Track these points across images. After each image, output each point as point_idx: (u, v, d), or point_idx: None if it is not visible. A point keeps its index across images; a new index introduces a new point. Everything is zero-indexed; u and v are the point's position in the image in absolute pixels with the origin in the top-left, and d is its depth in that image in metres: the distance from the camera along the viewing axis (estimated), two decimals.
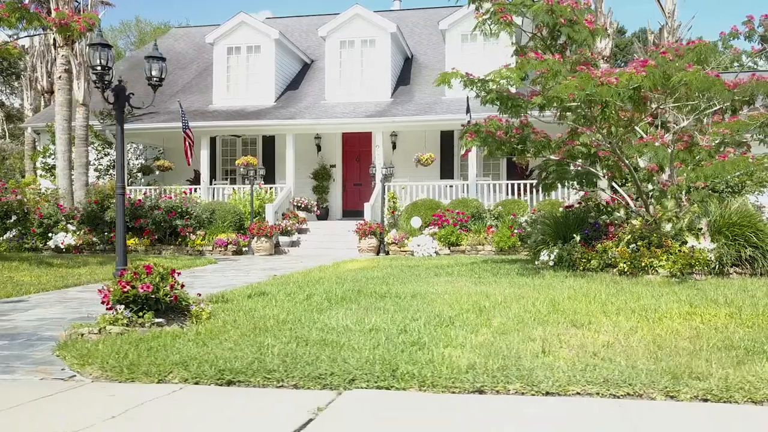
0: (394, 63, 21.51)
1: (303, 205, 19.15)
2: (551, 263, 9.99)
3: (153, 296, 5.54)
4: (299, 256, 16.51)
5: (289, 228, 17.60)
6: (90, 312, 7.15)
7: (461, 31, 20.19)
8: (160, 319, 5.63)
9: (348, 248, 16.84)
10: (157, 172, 21.37)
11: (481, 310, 6.42)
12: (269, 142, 21.77)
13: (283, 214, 18.36)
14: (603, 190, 12.09)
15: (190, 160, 18.23)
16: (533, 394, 3.87)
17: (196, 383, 4.20)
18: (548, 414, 3.58)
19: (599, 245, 9.57)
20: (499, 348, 4.73)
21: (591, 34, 8.59)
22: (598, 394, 3.84)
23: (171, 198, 17.15)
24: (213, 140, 21.86)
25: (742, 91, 8.00)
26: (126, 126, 19.39)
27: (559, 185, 11.42)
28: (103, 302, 5.59)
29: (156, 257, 15.30)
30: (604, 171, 10.26)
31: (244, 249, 16.98)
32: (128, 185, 19.76)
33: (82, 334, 5.38)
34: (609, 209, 10.54)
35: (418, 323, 5.71)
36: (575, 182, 10.47)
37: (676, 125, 10.83)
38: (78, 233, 16.99)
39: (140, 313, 5.54)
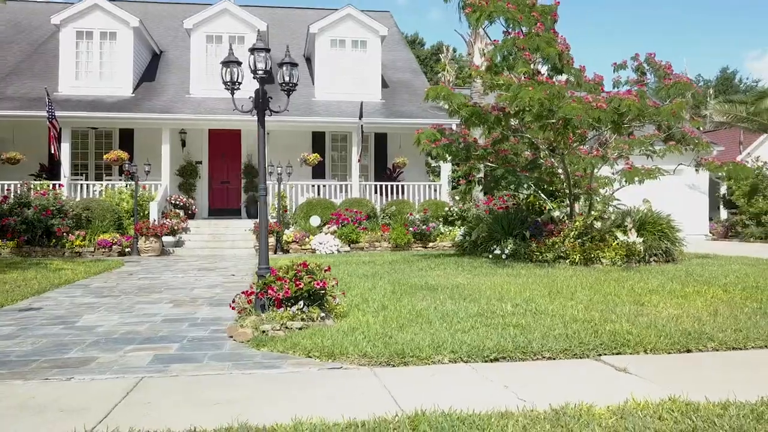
0: None
1: (181, 204, 18.44)
2: (504, 257, 11.41)
3: (321, 291, 5.77)
4: (193, 256, 15.98)
5: (175, 227, 16.91)
6: (166, 315, 6.89)
7: (331, 36, 20.96)
8: (324, 314, 5.87)
9: (239, 247, 16.74)
10: None
11: (547, 296, 7.56)
12: (127, 136, 20.37)
13: (162, 213, 17.54)
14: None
15: (58, 153, 16.58)
16: (725, 350, 5.14)
17: (466, 362, 4.76)
18: (752, 360, 4.88)
19: (549, 240, 11.24)
20: (645, 321, 5.94)
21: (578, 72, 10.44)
22: (766, 347, 5.23)
23: (45, 194, 15.47)
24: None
25: (676, 118, 10.22)
26: None
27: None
28: (272, 298, 5.66)
29: (56, 261, 13.86)
30: (544, 177, 12.00)
31: (127, 250, 15.94)
32: None
33: (264, 331, 5.44)
34: (539, 209, 12.29)
35: (530, 307, 6.70)
36: (514, 186, 12.01)
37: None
38: None
39: (309, 309, 5.73)
